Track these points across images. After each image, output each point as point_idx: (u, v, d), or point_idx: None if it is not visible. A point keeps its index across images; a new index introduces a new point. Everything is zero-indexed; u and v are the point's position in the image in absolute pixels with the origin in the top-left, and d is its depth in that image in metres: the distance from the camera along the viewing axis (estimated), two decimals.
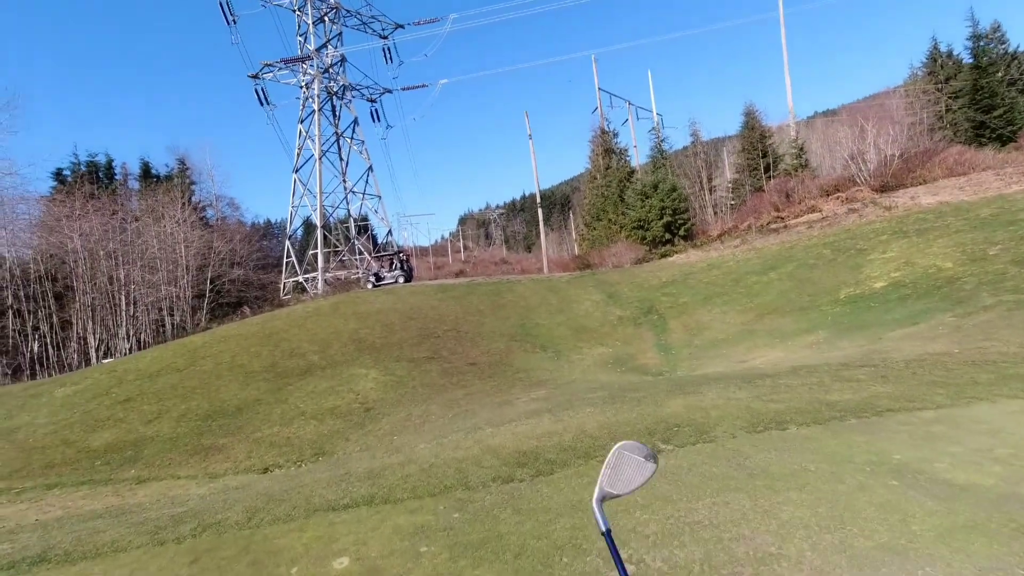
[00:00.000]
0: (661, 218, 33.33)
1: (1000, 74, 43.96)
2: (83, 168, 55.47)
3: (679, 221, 33.65)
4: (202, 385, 16.59)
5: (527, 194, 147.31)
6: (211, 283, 40.67)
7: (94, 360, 30.29)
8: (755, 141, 46.05)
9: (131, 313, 31.12)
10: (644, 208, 34.25)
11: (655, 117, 52.66)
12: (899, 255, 18.52)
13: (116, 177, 58.14)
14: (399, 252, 30.34)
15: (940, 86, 45.54)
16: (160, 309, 35.41)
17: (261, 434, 13.32)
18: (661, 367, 16.49)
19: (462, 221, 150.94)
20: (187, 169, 58.68)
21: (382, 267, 30.34)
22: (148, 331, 34.25)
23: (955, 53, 48.67)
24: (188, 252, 38.77)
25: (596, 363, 17.37)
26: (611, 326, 20.69)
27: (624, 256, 33.11)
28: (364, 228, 58.49)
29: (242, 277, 50.94)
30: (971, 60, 44.59)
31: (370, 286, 28.67)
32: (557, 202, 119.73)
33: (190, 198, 53.86)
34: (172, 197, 40.89)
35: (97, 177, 55.65)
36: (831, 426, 5.81)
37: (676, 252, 31.50)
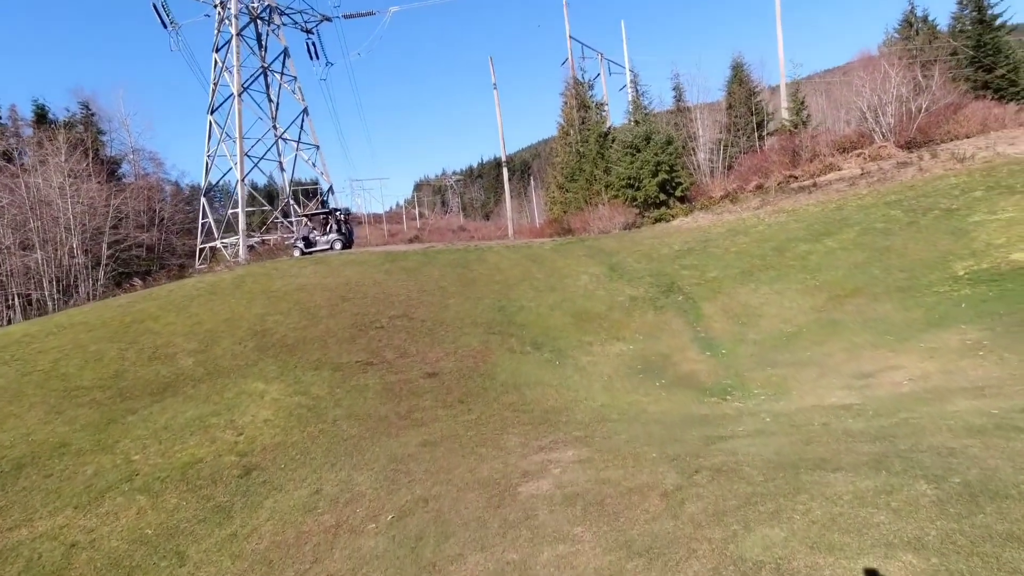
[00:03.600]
0: (655, 176, 27.35)
1: (1007, 35, 39.80)
2: None
3: (676, 180, 27.77)
4: None
5: (485, 160, 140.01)
6: (109, 247, 32.48)
7: None
8: (744, 98, 40.61)
9: None
10: (635, 164, 28.17)
11: (628, 73, 46.49)
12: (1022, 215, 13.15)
13: (2, 122, 47.80)
14: (335, 210, 23.30)
15: (915, 51, 41.13)
16: (32, 280, 27.32)
17: (27, 531, 6.73)
18: (720, 379, 10.60)
19: (417, 188, 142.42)
20: (93, 115, 49.03)
21: (313, 230, 23.29)
22: (15, 308, 26.29)
23: (930, 18, 45.25)
24: (75, 209, 30.43)
25: (618, 371, 11.35)
26: (623, 310, 14.69)
27: (613, 220, 27.11)
28: (313, 191, 50.17)
29: (164, 242, 42.64)
30: (974, 14, 40.12)
31: (297, 253, 21.75)
32: (517, 168, 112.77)
33: (95, 148, 44.76)
34: (54, 141, 32.12)
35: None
36: None
37: (677, 215, 25.72)
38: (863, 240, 15.27)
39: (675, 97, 43.54)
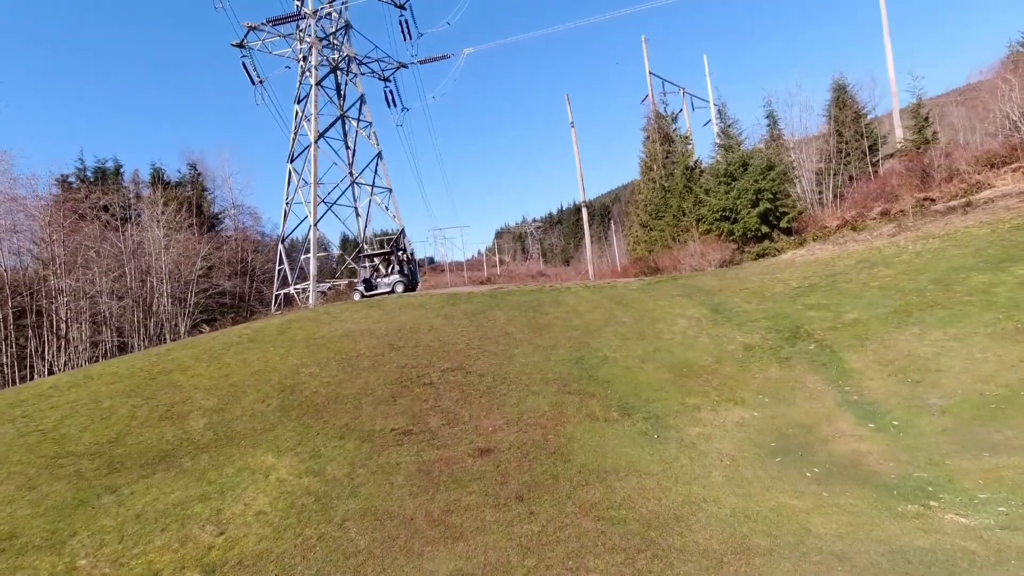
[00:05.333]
0: (755, 205, 23.64)
1: None
2: (89, 174, 49.31)
3: (780, 209, 23.88)
4: None
5: (564, 207, 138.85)
6: (196, 295, 32.89)
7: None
8: (849, 121, 35.99)
9: (62, 332, 23.19)
10: (730, 194, 24.66)
11: (713, 107, 43.30)
12: None
13: (125, 184, 51.79)
14: (399, 249, 21.44)
15: None
16: (126, 324, 27.61)
17: None
18: (907, 469, 6.97)
19: (498, 235, 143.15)
20: (199, 175, 52.39)
21: (374, 272, 21.58)
22: (109, 351, 26.41)
23: None
24: (167, 259, 31.04)
25: (743, 450, 7.97)
26: (736, 363, 11.25)
27: (706, 257, 23.57)
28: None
29: (255, 291, 43.66)
30: None
31: (357, 296, 20.06)
32: (596, 213, 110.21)
33: (198, 204, 47.55)
34: (152, 197, 33.50)
35: (105, 184, 49.44)
36: None
37: (785, 248, 21.81)
38: None
39: (768, 125, 39.54)
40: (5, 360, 23.15)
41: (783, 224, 23.99)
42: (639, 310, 14.78)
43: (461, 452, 7.76)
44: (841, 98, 37.50)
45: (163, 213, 32.58)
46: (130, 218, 32.23)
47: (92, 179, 48.34)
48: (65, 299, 23.05)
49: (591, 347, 12.17)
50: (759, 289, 15.66)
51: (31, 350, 24.44)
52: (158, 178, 51.84)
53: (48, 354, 24.42)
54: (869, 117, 37.55)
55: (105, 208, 30.52)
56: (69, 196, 29.13)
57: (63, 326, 23.03)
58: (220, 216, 52.77)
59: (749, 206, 23.92)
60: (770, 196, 23.58)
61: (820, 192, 32.17)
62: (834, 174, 34.77)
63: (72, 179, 46.45)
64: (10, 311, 22.41)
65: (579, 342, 12.45)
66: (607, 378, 10.61)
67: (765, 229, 23.86)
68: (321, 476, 7.45)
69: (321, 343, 12.60)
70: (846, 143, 35.47)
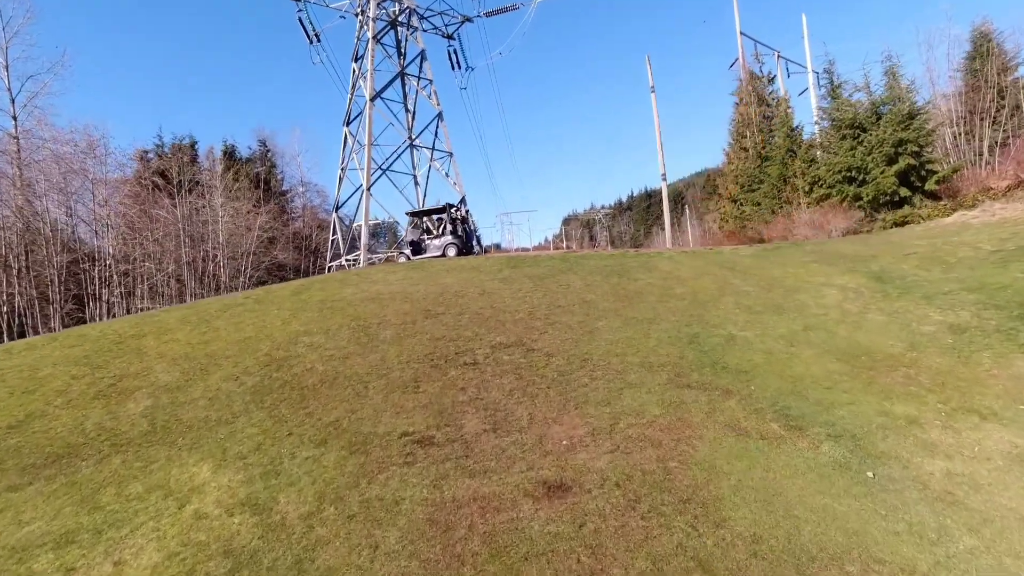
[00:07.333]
0: (893, 162, 18.50)
1: None
2: (167, 151, 49.64)
3: (926, 166, 18.61)
4: None
5: (635, 193, 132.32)
6: (254, 267, 31.29)
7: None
8: (996, 73, 29.27)
9: (105, 297, 21.61)
10: (857, 150, 19.57)
11: (811, 74, 37.21)
12: None
13: (199, 160, 51.88)
14: (450, 206, 17.80)
15: None
16: (183, 290, 26.18)
17: None
18: None
19: (566, 222, 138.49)
20: (269, 151, 51.87)
21: (423, 233, 18.25)
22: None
23: None
24: (223, 228, 29.49)
25: None
26: (947, 351, 7.01)
27: (826, 227, 18.72)
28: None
29: (318, 266, 42.55)
30: None
31: (403, 260, 16.95)
32: (670, 198, 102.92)
33: (267, 180, 47.02)
34: (213, 171, 32.17)
35: (180, 160, 49.75)
36: None
37: (935, 214, 16.68)
38: None
39: (888, 84, 33.06)
40: (54, 325, 21.94)
41: (928, 186, 18.67)
42: (763, 277, 10.63)
43: (511, 487, 4.19)
44: (986, 47, 30.68)
45: (222, 181, 31.13)
46: (184, 185, 30.85)
47: (169, 155, 48.66)
48: (110, 261, 21.50)
49: (707, 322, 8.25)
50: (934, 254, 11.07)
51: (87, 315, 23.24)
52: (229, 154, 51.63)
53: (99, 318, 23.11)
54: (1013, 72, 30.60)
55: (162, 174, 29.28)
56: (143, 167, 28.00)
57: (105, 291, 21.49)
58: (288, 194, 52.18)
59: (884, 163, 18.78)
60: (914, 150, 18.35)
61: (973, 150, 25.93)
62: (980, 135, 28.27)
63: (151, 155, 46.73)
64: (55, 273, 21.05)
65: (689, 315, 8.56)
66: (742, 366, 6.71)
67: (904, 192, 18.66)
68: (263, 515, 4.12)
69: (338, 307, 9.40)
70: (992, 100, 28.85)
